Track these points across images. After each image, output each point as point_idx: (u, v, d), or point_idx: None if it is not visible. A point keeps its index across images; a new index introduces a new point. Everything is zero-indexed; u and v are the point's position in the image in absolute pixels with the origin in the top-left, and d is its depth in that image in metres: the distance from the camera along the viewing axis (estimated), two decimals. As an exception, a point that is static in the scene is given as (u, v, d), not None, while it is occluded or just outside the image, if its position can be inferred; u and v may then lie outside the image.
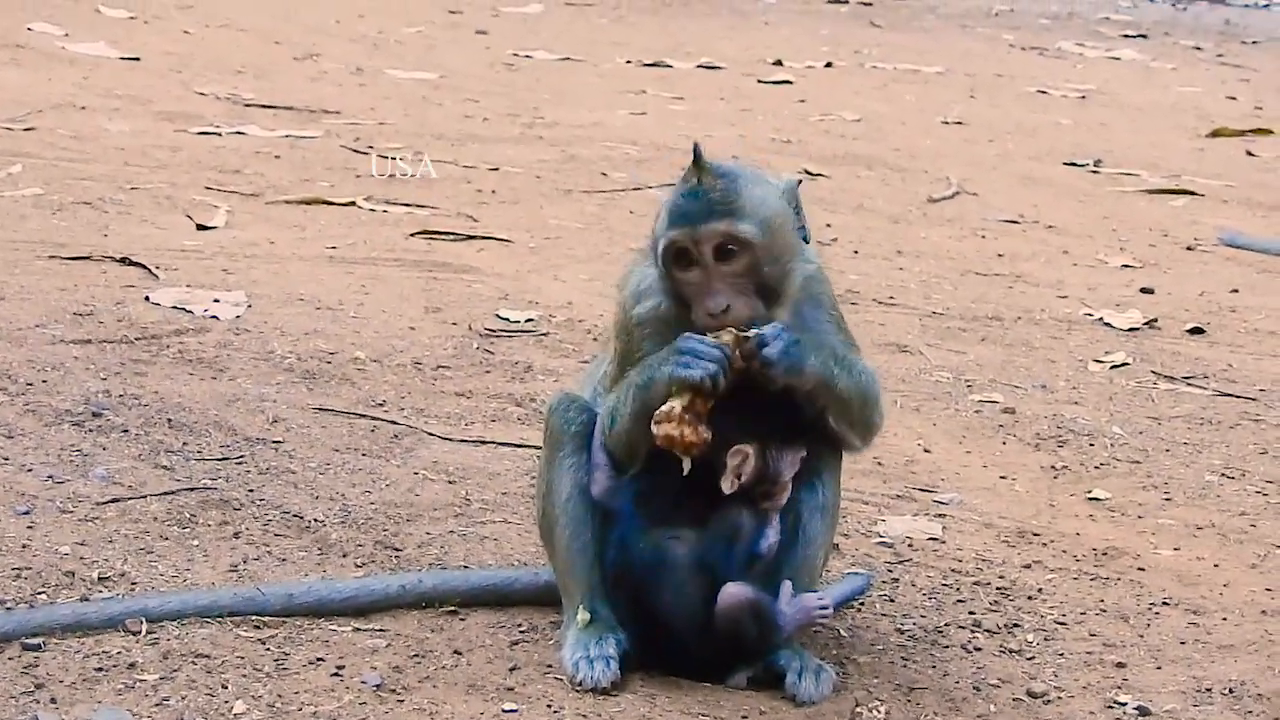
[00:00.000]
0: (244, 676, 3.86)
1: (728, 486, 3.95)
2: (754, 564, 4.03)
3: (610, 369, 4.11)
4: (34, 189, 8.24)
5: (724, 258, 3.94)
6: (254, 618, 4.12)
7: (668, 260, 3.96)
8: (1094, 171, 11.33)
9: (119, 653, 3.91)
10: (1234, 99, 15.47)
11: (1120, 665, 4.28)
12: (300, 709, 3.74)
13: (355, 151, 9.90)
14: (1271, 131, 13.36)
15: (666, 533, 3.97)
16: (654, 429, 3.87)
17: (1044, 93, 14.95)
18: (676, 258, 3.95)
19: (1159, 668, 4.29)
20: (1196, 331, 7.48)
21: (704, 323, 3.94)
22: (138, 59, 12.49)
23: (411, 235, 8.06)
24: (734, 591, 3.92)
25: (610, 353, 4.14)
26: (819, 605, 4.05)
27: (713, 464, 3.95)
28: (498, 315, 6.84)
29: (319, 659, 3.97)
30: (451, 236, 8.10)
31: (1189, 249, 9.23)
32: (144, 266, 7.05)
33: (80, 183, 8.48)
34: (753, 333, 3.90)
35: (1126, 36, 20.20)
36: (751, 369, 3.88)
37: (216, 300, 6.63)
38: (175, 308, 6.52)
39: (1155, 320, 7.58)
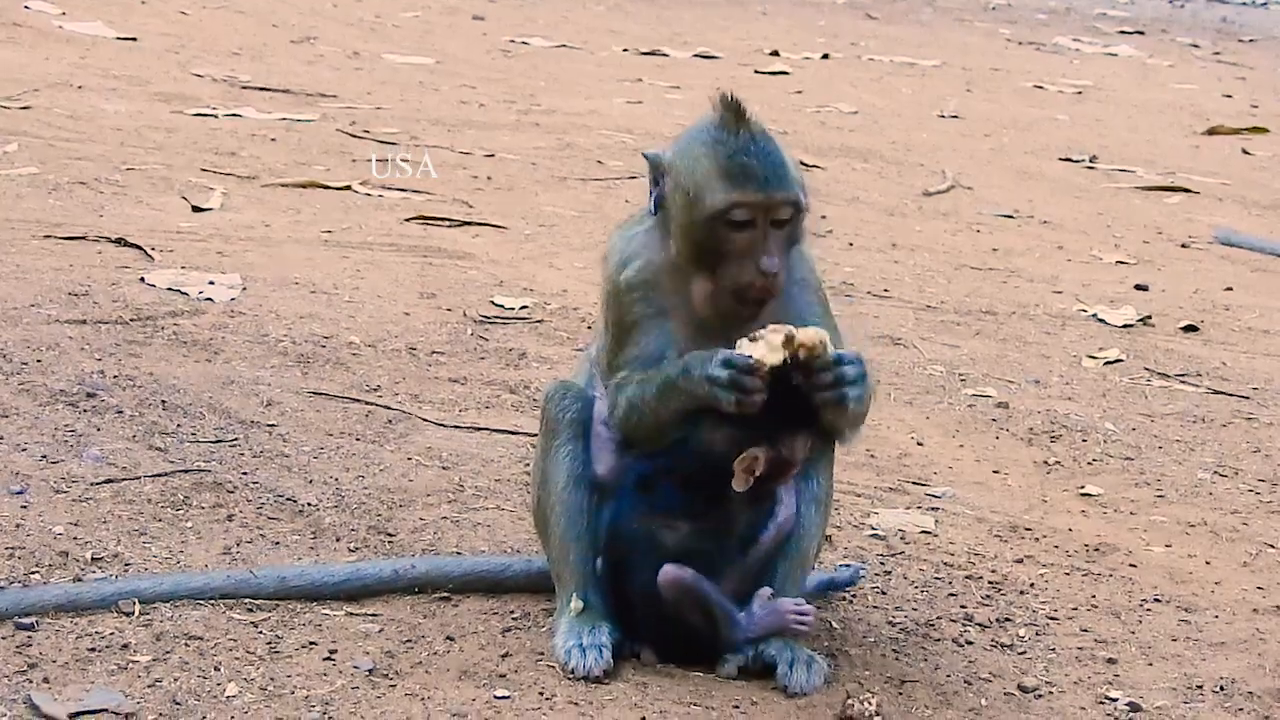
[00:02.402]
0: (236, 659, 3.86)
1: (740, 486, 3.94)
2: (753, 549, 4.04)
3: (606, 342, 4.09)
4: (30, 168, 8.23)
5: (780, 224, 3.94)
6: (247, 601, 4.12)
7: (723, 220, 3.90)
8: (1090, 167, 11.34)
9: (112, 634, 3.91)
10: (1230, 97, 15.48)
11: (1111, 661, 4.29)
12: (292, 692, 3.74)
13: (351, 136, 9.89)
14: (1267, 130, 13.38)
15: (663, 520, 3.96)
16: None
17: (1040, 88, 14.96)
18: (734, 220, 3.91)
19: (1150, 664, 4.30)
20: (1190, 329, 7.49)
21: (753, 281, 3.89)
22: (135, 39, 12.47)
23: (407, 220, 8.06)
24: (672, 571, 3.91)
25: (602, 327, 4.12)
26: (796, 612, 4.02)
27: (724, 466, 3.95)
28: (492, 302, 6.83)
29: (311, 643, 3.97)
30: (447, 222, 8.10)
31: (1184, 246, 9.24)
32: (139, 247, 7.04)
33: (76, 162, 8.47)
34: (829, 350, 3.84)
35: (1123, 33, 20.21)
36: (808, 383, 3.85)
37: (211, 283, 6.62)
38: (170, 289, 6.51)
39: (1149, 317, 7.59)
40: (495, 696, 3.80)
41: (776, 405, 3.91)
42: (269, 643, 3.95)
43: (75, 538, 4.37)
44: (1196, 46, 19.62)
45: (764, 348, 3.85)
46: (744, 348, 3.86)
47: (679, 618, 3.95)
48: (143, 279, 6.59)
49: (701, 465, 3.95)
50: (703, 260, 3.96)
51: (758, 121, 4.04)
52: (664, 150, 4.07)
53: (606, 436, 4.10)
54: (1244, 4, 25.29)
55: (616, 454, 4.09)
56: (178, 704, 3.64)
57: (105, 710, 3.58)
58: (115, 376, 5.52)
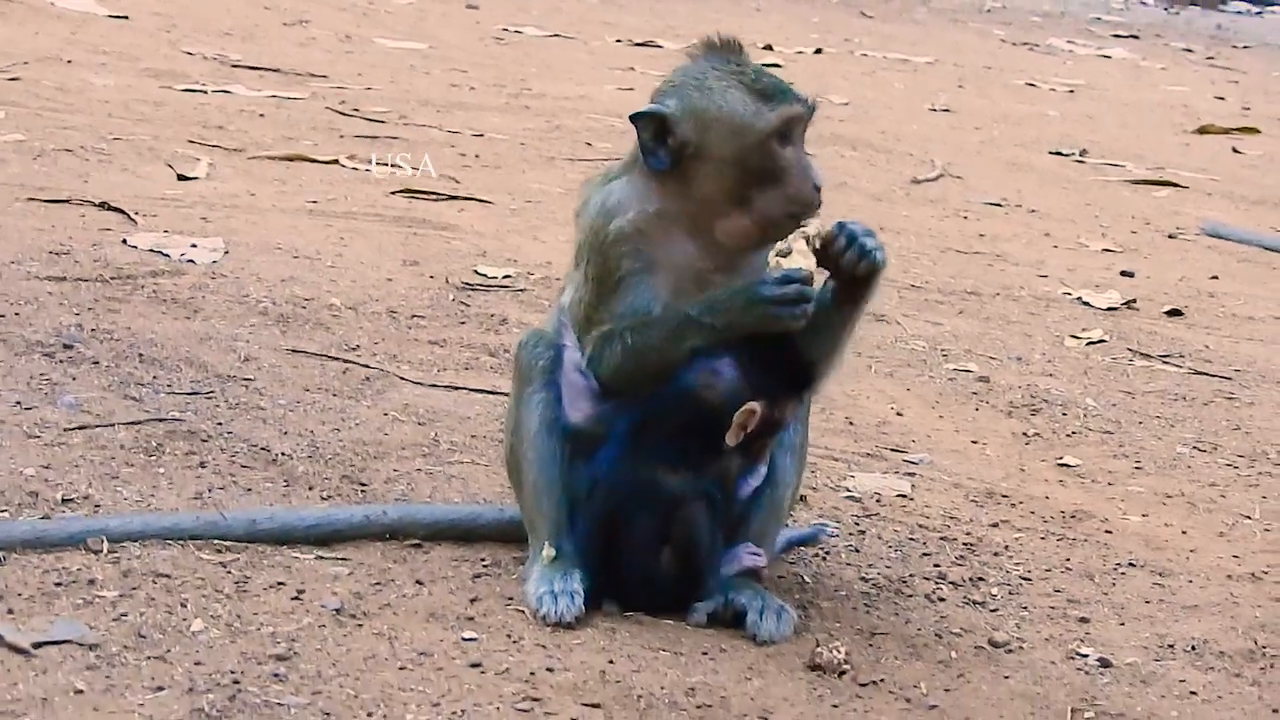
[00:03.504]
0: (204, 596, 3.84)
1: (732, 440, 3.94)
2: (738, 501, 4.06)
3: (585, 296, 4.05)
4: (16, 135, 8.20)
5: (803, 139, 4.03)
6: (216, 542, 4.09)
7: (776, 137, 3.95)
8: (1079, 161, 11.34)
9: (79, 569, 3.89)
10: (1222, 99, 15.50)
11: (1083, 620, 4.28)
12: (258, 629, 3.72)
13: (340, 114, 9.87)
14: (1258, 131, 13.39)
15: (664, 467, 3.94)
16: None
17: (1033, 85, 14.97)
18: (784, 136, 3.96)
19: (1122, 624, 4.29)
20: (1174, 313, 7.49)
21: (806, 194, 3.95)
22: (126, 18, 12.45)
23: (393, 194, 8.04)
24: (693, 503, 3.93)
25: (580, 279, 4.09)
26: (750, 554, 4.06)
27: (717, 416, 3.94)
28: (475, 271, 6.82)
29: (280, 583, 3.95)
30: (433, 196, 8.08)
31: (1170, 237, 9.23)
32: (122, 212, 7.02)
33: (63, 131, 8.44)
34: (822, 230, 3.93)
35: (1118, 36, 20.24)
36: (833, 264, 3.93)
37: (194, 245, 6.61)
38: (152, 251, 6.49)
39: (1134, 301, 7.58)
40: (463, 638, 3.78)
41: (779, 361, 3.91)
42: (237, 582, 3.93)
43: (46, 480, 4.34)
44: (1190, 51, 19.64)
45: (800, 257, 3.91)
46: (784, 265, 3.89)
47: (681, 548, 3.93)
48: (124, 241, 6.57)
49: (694, 415, 3.93)
50: (750, 190, 3.96)
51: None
52: (658, 105, 4.03)
53: (584, 385, 4.07)
54: (1239, 13, 25.32)
55: (595, 402, 4.06)
56: (142, 637, 3.62)
57: (69, 641, 3.56)
58: (93, 330, 5.50)
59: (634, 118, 4.03)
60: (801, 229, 3.92)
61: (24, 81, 9.59)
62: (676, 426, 3.96)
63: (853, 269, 3.94)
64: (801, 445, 4.13)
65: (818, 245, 3.93)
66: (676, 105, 4.00)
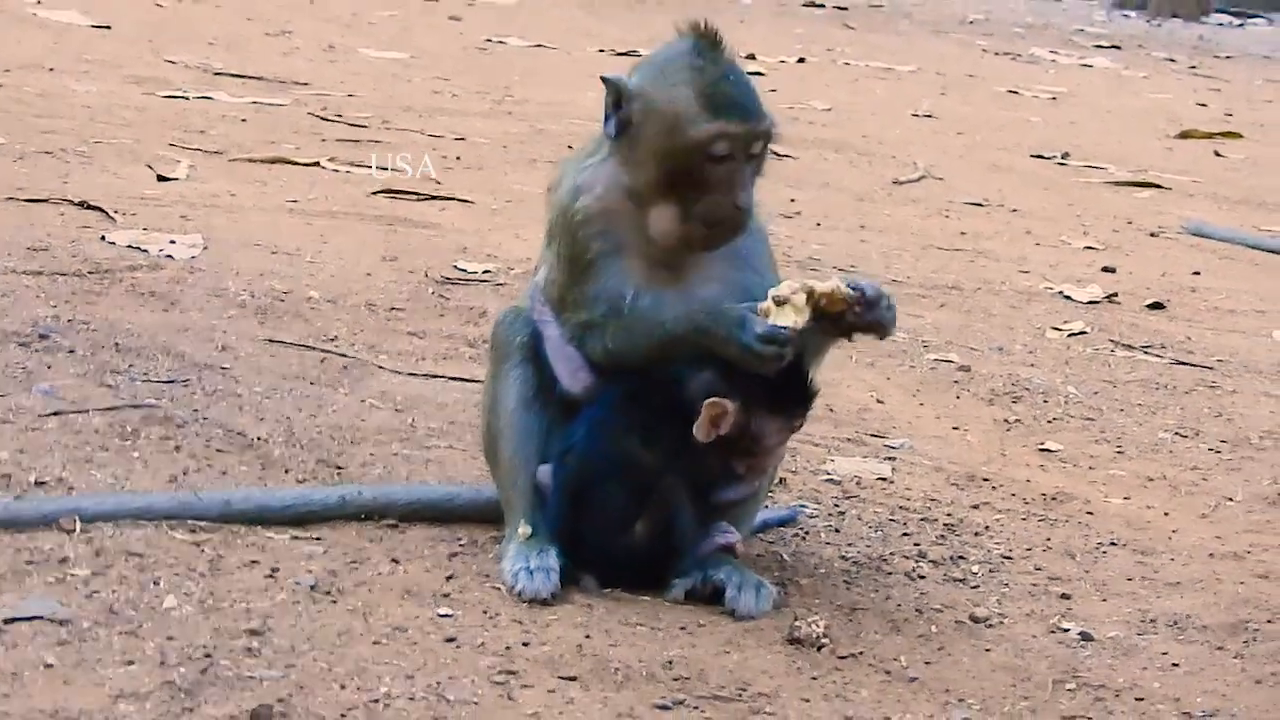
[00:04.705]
0: (176, 575, 3.81)
1: (701, 435, 3.91)
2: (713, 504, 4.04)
3: (557, 277, 4.02)
4: (-4, 139, 8.18)
5: (755, 156, 3.91)
6: (190, 522, 4.06)
7: (703, 151, 3.84)
8: (1061, 164, 11.33)
9: (51, 549, 3.85)
10: (1204, 106, 15.51)
11: (1065, 596, 4.26)
12: (232, 606, 3.69)
13: (322, 119, 9.85)
14: (1240, 135, 13.39)
15: (634, 440, 3.92)
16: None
17: (1015, 93, 14.97)
18: (717, 152, 3.85)
19: (1104, 600, 4.27)
20: (1156, 306, 7.48)
21: (726, 216, 3.87)
22: (109, 27, 12.43)
23: (374, 194, 8.02)
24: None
25: (553, 259, 4.05)
26: (724, 532, 4.04)
27: (693, 404, 3.91)
28: (456, 266, 6.79)
29: (254, 561, 3.92)
30: (414, 196, 8.06)
31: (1153, 235, 9.22)
32: (102, 210, 6.98)
33: (44, 135, 8.41)
34: (847, 289, 3.85)
35: (1100, 47, 20.26)
36: (844, 322, 3.88)
37: (172, 242, 6.57)
38: (130, 247, 6.46)
39: (1115, 295, 7.57)
40: (438, 614, 3.76)
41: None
42: (210, 560, 3.90)
43: (19, 463, 4.31)
44: (1173, 60, 19.67)
45: (792, 312, 3.82)
46: (774, 315, 3.81)
47: (658, 521, 3.91)
48: (103, 237, 6.54)
49: (671, 399, 3.91)
50: (672, 190, 3.89)
51: (731, 50, 3.98)
52: (627, 75, 4.00)
53: (580, 357, 4.02)
54: (1220, 24, 25.37)
55: (593, 372, 4.01)
56: (114, 614, 3.59)
57: (40, 618, 3.53)
58: (69, 321, 5.46)
59: (604, 79, 3.99)
60: (808, 283, 3.83)
61: (5, 88, 9.56)
62: (654, 406, 3.94)
63: (853, 325, 3.91)
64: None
65: (822, 303, 3.84)
66: (635, 82, 3.96)
